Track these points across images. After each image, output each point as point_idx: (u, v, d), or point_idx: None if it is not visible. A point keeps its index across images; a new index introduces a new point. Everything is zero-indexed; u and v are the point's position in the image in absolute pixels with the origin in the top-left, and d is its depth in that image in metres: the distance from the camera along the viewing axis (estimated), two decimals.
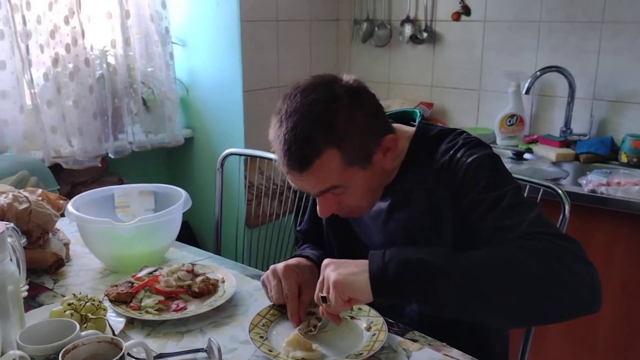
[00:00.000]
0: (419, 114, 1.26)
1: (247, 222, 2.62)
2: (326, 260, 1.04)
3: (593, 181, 1.93)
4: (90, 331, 0.98)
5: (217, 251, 2.07)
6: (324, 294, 0.99)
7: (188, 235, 2.85)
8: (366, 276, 0.96)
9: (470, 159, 1.11)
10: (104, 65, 2.37)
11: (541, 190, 1.57)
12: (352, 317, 1.18)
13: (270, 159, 2.06)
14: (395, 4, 2.87)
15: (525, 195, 1.13)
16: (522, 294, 0.93)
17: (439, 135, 1.20)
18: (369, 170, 1.11)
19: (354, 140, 1.06)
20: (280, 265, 1.21)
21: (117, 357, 0.87)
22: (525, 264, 0.93)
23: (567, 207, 1.49)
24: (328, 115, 1.04)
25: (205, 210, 2.71)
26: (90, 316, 1.06)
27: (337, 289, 0.98)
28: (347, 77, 1.11)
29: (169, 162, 2.94)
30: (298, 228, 1.53)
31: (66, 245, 1.49)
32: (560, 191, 1.51)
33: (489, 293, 0.93)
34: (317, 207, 1.14)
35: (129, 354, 1.03)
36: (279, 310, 1.21)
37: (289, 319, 1.16)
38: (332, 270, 1.00)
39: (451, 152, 1.13)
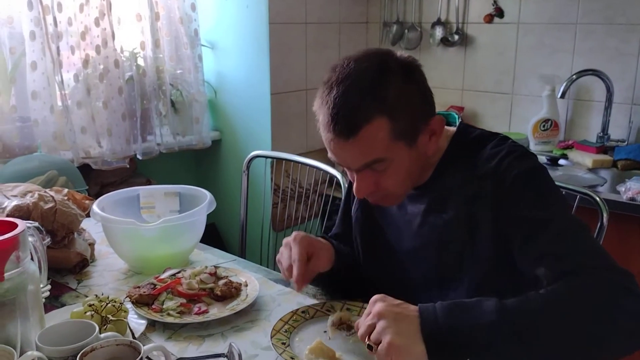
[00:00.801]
0: (457, 117, 1.22)
1: (273, 225, 2.60)
2: (377, 296, 0.96)
3: (633, 188, 1.85)
4: (109, 333, 0.96)
5: (242, 254, 2.05)
6: (372, 344, 0.90)
7: (214, 237, 2.85)
8: (423, 348, 0.88)
9: (518, 171, 1.05)
10: (133, 67, 2.38)
11: (578, 197, 1.51)
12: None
13: (297, 162, 2.04)
14: (425, 6, 2.83)
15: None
16: (576, 349, 0.90)
17: (481, 137, 1.15)
18: (413, 150, 1.07)
19: (403, 114, 1.03)
20: (292, 235, 1.21)
21: None
22: (580, 317, 0.90)
23: (605, 215, 1.43)
24: (381, 84, 1.02)
25: (231, 213, 2.70)
26: (111, 318, 1.05)
27: (391, 353, 0.89)
28: (400, 53, 1.09)
29: (197, 164, 2.94)
30: (329, 234, 1.49)
31: (91, 245, 1.48)
32: (598, 198, 1.45)
33: (543, 352, 0.89)
34: (354, 185, 1.10)
35: (148, 357, 1.02)
36: (302, 316, 1.18)
37: (294, 285, 1.16)
38: (387, 324, 0.89)
39: (497, 160, 1.08)
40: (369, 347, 0.90)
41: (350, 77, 1.03)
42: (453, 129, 1.18)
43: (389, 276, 1.26)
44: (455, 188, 1.12)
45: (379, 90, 1.02)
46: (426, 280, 1.18)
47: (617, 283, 0.92)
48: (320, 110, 1.06)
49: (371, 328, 0.92)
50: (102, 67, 2.26)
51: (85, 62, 2.23)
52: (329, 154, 1.09)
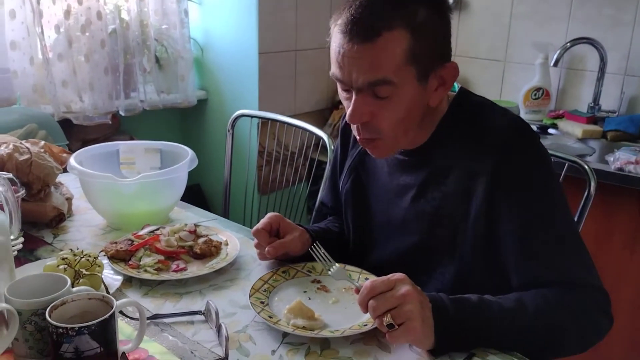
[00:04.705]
0: (456, 85, 1.18)
1: (258, 188, 2.57)
2: (402, 276, 0.93)
3: (621, 159, 1.84)
4: (81, 287, 0.93)
5: (225, 216, 2.02)
6: (392, 322, 0.89)
7: (199, 198, 2.81)
8: (433, 339, 0.91)
9: (525, 155, 1.04)
10: (117, 20, 2.30)
11: (566, 165, 1.49)
12: (358, 290, 1.12)
13: (283, 123, 2.00)
14: None
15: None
16: (548, 349, 1.00)
17: (483, 105, 1.11)
18: (420, 87, 1.02)
19: (426, 39, 0.99)
20: None
21: (107, 315, 0.82)
22: (564, 328, 0.99)
23: (592, 184, 1.42)
24: (413, 2, 0.99)
25: (216, 174, 2.67)
26: (85, 272, 1.02)
27: (410, 336, 0.90)
28: None
29: (181, 123, 2.88)
30: (322, 200, 1.46)
31: (69, 200, 1.44)
32: (586, 167, 1.43)
33: (519, 348, 0.97)
34: (349, 110, 1.03)
35: (122, 313, 0.99)
36: (283, 276, 1.16)
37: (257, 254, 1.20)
38: (414, 308, 0.89)
39: (503, 136, 1.04)
40: (390, 325, 0.88)
41: None
42: (453, 93, 1.14)
43: (378, 249, 1.24)
44: (456, 160, 1.08)
45: (409, 5, 0.98)
46: (415, 253, 1.15)
47: (600, 305, 1.02)
48: (340, 15, 1.00)
49: (392, 306, 0.89)
50: (84, 18, 2.18)
51: (67, 12, 2.15)
52: (333, 69, 1.03)
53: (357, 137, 1.10)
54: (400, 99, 1.01)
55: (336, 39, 1.00)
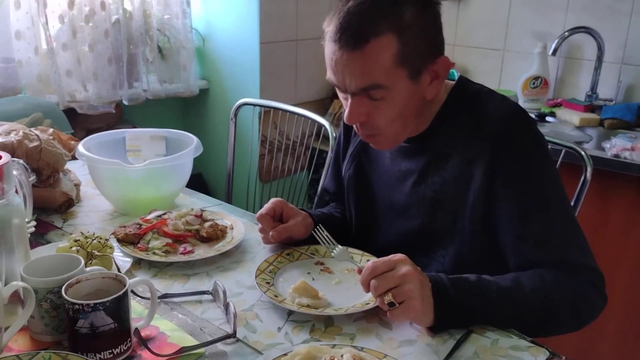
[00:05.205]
0: (456, 73, 1.21)
1: (260, 176, 2.60)
2: (402, 257, 0.96)
3: (617, 145, 1.87)
4: (94, 267, 0.97)
5: (229, 203, 2.05)
6: (393, 301, 0.92)
7: (201, 187, 2.85)
8: (432, 317, 0.94)
9: (523, 140, 1.07)
10: (120, 10, 2.32)
11: (563, 151, 1.53)
12: (360, 271, 1.15)
13: (285, 111, 2.02)
14: None
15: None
16: (546, 325, 1.03)
17: (481, 92, 1.14)
18: (413, 86, 1.05)
19: (414, 39, 1.01)
20: None
21: (121, 292, 0.86)
22: (559, 308, 1.02)
23: (589, 169, 1.45)
24: (398, 3, 1.01)
25: (218, 163, 2.70)
26: (97, 253, 1.05)
27: (409, 314, 0.93)
28: None
29: (184, 113, 2.91)
30: (325, 187, 1.49)
31: (77, 186, 1.48)
32: (583, 153, 1.46)
33: (516, 325, 0.99)
34: (346, 111, 1.07)
35: (133, 292, 1.03)
36: (287, 258, 1.19)
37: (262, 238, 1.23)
38: (414, 287, 0.92)
39: (502, 122, 1.07)
40: (391, 304, 0.92)
41: None
42: (452, 82, 1.17)
43: (378, 233, 1.27)
44: (456, 146, 1.11)
45: (395, 8, 1.00)
46: (416, 236, 1.19)
47: (595, 285, 1.05)
48: (331, 22, 1.03)
49: (393, 286, 0.92)
50: (87, 8, 2.21)
51: (71, 3, 2.17)
52: (328, 74, 1.07)
53: (358, 134, 1.14)
54: (395, 99, 1.05)
55: (328, 46, 1.04)
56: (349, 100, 1.07)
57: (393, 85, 1.03)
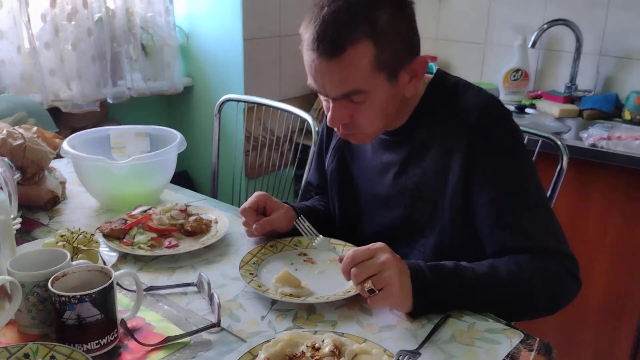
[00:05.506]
0: (434, 66, 1.23)
1: (245, 172, 2.62)
2: (381, 245, 0.99)
3: (594, 135, 1.92)
4: (80, 261, 0.99)
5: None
6: (373, 288, 0.95)
7: (188, 186, 2.83)
8: (411, 302, 0.97)
9: (498, 130, 1.10)
10: (103, 9, 2.32)
11: (540, 141, 1.56)
12: (341, 260, 1.18)
13: (269, 107, 2.04)
14: None
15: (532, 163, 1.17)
16: (522, 310, 1.06)
17: (458, 85, 1.17)
18: (392, 87, 1.08)
19: (390, 43, 1.04)
20: None
21: (107, 284, 0.88)
22: (535, 292, 1.05)
23: (565, 158, 1.48)
24: (373, 9, 1.02)
25: (203, 160, 2.71)
26: (83, 248, 1.07)
27: (388, 300, 0.96)
28: None
29: (169, 110, 2.92)
30: (309, 180, 1.52)
31: (62, 183, 1.49)
32: (559, 142, 1.50)
33: (492, 309, 1.02)
34: (329, 115, 1.10)
35: (119, 285, 1.05)
36: (271, 250, 1.21)
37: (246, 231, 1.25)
38: (393, 274, 0.94)
39: (477, 113, 1.10)
40: (371, 290, 0.94)
41: None
42: (430, 75, 1.20)
43: (361, 224, 1.30)
44: (434, 138, 1.14)
45: (369, 14, 1.02)
46: (398, 226, 1.22)
47: (569, 270, 1.08)
48: (307, 29, 1.05)
49: (372, 273, 0.95)
50: (70, 7, 2.21)
51: (53, 1, 2.17)
52: (309, 80, 1.09)
53: (338, 133, 1.17)
54: (375, 100, 1.08)
55: (307, 54, 1.06)
56: (331, 104, 1.10)
57: (373, 89, 1.06)
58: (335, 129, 1.16)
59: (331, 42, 1.01)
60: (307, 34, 1.05)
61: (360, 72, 1.03)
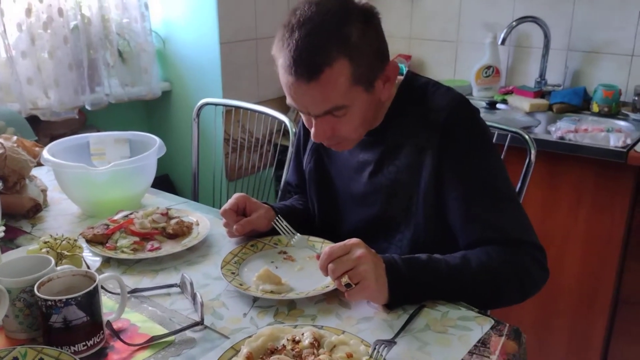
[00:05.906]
0: (404, 67, 1.28)
1: (227, 175, 2.65)
2: (357, 241, 1.02)
3: (562, 128, 1.98)
4: (65, 266, 1.02)
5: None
6: (350, 282, 0.98)
7: (169, 190, 2.84)
8: (387, 294, 1.01)
9: (464, 126, 1.15)
10: (78, 16, 2.33)
11: (509, 136, 1.61)
12: (319, 256, 1.22)
13: (247, 109, 2.08)
14: None
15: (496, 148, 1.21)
16: (490, 299, 1.11)
17: (428, 85, 1.22)
18: (370, 96, 1.12)
19: (364, 57, 1.07)
20: None
21: (91, 287, 0.91)
22: (503, 281, 1.09)
23: (533, 152, 1.54)
24: (343, 26, 1.05)
25: (184, 164, 2.73)
26: (66, 253, 1.10)
27: (365, 292, 1.00)
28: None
29: (148, 115, 2.93)
30: (287, 180, 1.55)
31: (44, 191, 1.51)
32: (527, 136, 1.55)
33: (464, 298, 1.07)
34: (312, 131, 1.14)
35: (104, 288, 1.08)
36: (251, 249, 1.25)
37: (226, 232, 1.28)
38: (368, 268, 0.98)
39: (445, 112, 1.15)
40: (348, 285, 0.98)
41: (313, 20, 1.04)
42: (401, 77, 1.25)
43: (340, 222, 1.35)
44: (407, 137, 1.19)
45: (341, 32, 1.04)
46: (375, 223, 1.26)
47: (537, 259, 1.12)
48: (281, 54, 1.07)
49: (349, 268, 0.99)
50: (45, 15, 2.22)
51: (28, 10, 2.18)
52: (288, 100, 1.12)
53: (325, 144, 1.21)
54: (355, 112, 1.13)
55: (283, 77, 1.09)
56: (313, 121, 1.14)
57: (352, 102, 1.10)
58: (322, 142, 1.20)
59: (308, 66, 1.04)
60: (281, 58, 1.07)
61: (339, 89, 1.07)
